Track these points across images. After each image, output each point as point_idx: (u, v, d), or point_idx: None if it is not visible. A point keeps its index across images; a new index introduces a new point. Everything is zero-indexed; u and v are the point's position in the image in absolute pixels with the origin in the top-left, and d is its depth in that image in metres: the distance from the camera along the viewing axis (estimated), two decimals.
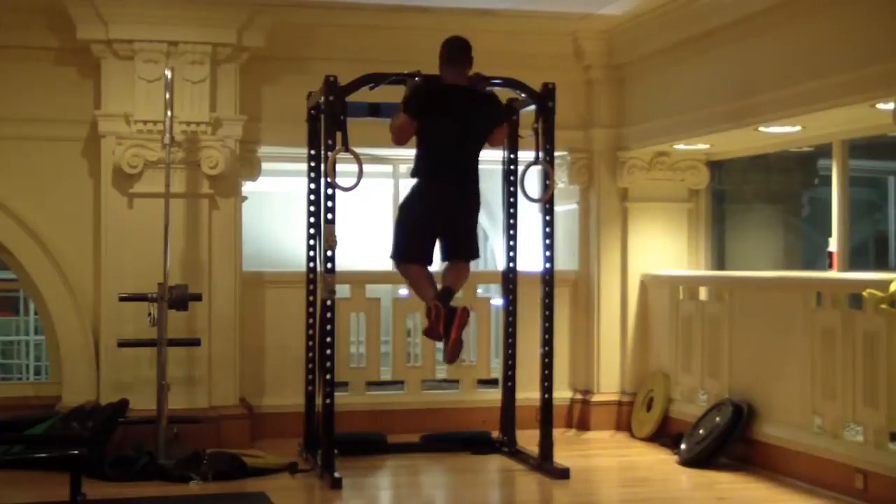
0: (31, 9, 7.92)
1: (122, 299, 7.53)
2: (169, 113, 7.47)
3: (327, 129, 7.11)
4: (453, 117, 6.77)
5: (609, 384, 8.99)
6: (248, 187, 8.59)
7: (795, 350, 7.11)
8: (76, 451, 6.23)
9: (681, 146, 8.60)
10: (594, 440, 8.68)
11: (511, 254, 8.01)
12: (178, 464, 7.11)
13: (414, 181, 6.90)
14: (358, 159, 6.87)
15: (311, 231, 7.76)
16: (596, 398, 8.98)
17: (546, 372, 7.51)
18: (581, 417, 9.03)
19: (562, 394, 8.80)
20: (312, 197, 7.75)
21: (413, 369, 8.92)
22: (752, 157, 9.06)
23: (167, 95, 7.47)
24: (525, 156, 7.64)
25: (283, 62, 8.43)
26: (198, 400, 7.97)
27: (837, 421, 6.73)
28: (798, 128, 7.56)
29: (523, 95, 7.49)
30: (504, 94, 7.67)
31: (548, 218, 7.55)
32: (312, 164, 7.74)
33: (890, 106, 6.25)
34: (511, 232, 8.01)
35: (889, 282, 6.24)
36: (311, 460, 7.44)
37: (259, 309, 8.55)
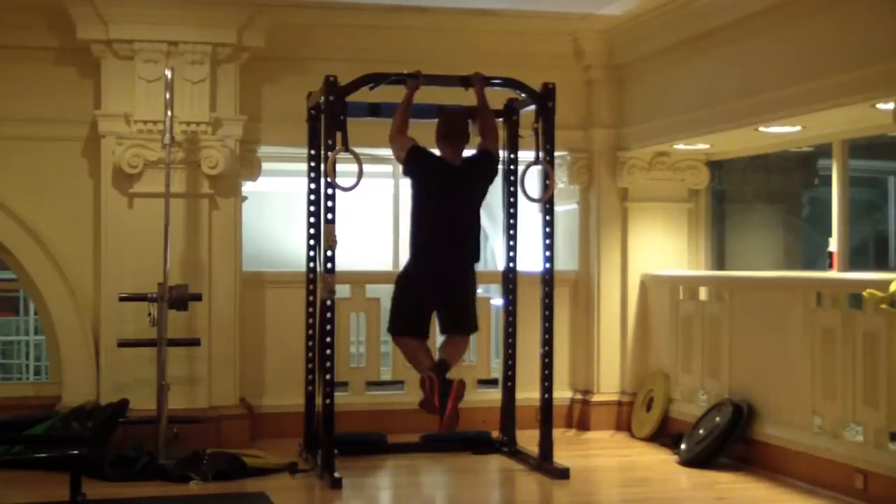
0: (31, 9, 7.92)
1: (122, 299, 7.53)
2: (169, 113, 7.47)
3: (327, 129, 7.11)
4: (446, 191, 6.77)
5: (609, 384, 8.99)
6: (248, 187, 8.59)
7: (795, 350, 7.11)
8: (76, 451, 6.22)
9: (681, 146, 8.61)
10: (594, 440, 8.68)
11: (511, 254, 8.02)
12: (178, 464, 7.11)
13: (410, 246, 6.95)
14: (358, 159, 6.88)
15: (311, 231, 7.76)
16: (596, 398, 8.98)
17: (546, 372, 7.51)
18: (581, 417, 9.03)
19: (562, 394, 8.81)
20: (312, 197, 7.75)
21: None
22: (752, 157, 9.06)
23: (167, 95, 7.48)
24: (525, 156, 7.64)
25: (283, 62, 8.43)
26: (198, 400, 7.97)
27: (837, 421, 6.74)
28: (798, 128, 7.56)
29: (523, 95, 7.49)
30: (504, 94, 7.68)
31: (548, 218, 7.55)
32: (312, 164, 7.74)
33: (890, 106, 6.25)
34: (511, 232, 8.01)
35: (889, 282, 6.24)
36: (311, 460, 7.44)
37: (259, 309, 8.55)
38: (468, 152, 7.11)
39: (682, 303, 8.56)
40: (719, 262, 9.29)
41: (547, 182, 7.48)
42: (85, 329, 8.03)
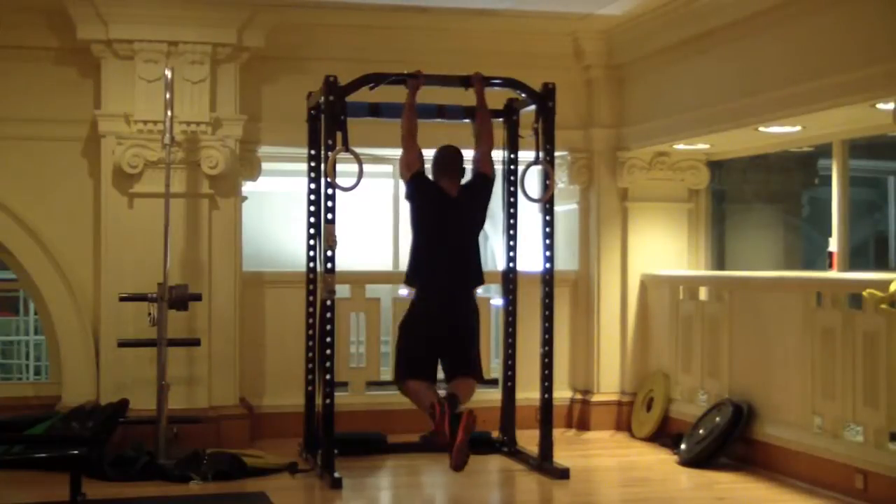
0: (31, 9, 7.92)
1: (122, 299, 7.53)
2: (169, 113, 7.47)
3: (327, 129, 7.11)
4: (447, 225, 6.70)
5: (609, 384, 8.99)
6: (248, 187, 8.59)
7: (795, 350, 7.11)
8: (76, 451, 6.22)
9: (681, 146, 8.61)
10: (594, 440, 8.68)
11: (511, 254, 8.02)
12: (178, 464, 7.11)
13: (408, 282, 6.86)
14: (358, 159, 6.88)
15: (311, 231, 7.76)
16: (596, 398, 8.98)
17: (546, 372, 7.51)
18: (581, 417, 9.03)
19: (562, 394, 8.81)
20: (312, 197, 7.75)
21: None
22: (752, 157, 9.06)
23: (167, 95, 7.48)
24: (525, 156, 7.64)
25: (283, 62, 8.44)
26: (198, 400, 7.97)
27: (837, 421, 6.74)
28: (798, 128, 7.56)
29: (523, 95, 7.48)
30: (504, 94, 7.68)
31: (548, 218, 7.55)
32: (312, 164, 7.74)
33: (890, 106, 6.25)
34: (511, 232, 8.02)
35: (889, 282, 6.24)
36: (311, 460, 7.44)
37: (259, 309, 8.55)
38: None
39: (682, 303, 8.56)
40: (719, 262, 9.30)
41: (547, 182, 7.48)
42: (85, 329, 8.03)
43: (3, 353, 12.99)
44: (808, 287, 7.15)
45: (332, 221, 7.02)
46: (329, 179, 7.00)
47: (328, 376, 7.06)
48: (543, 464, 7.35)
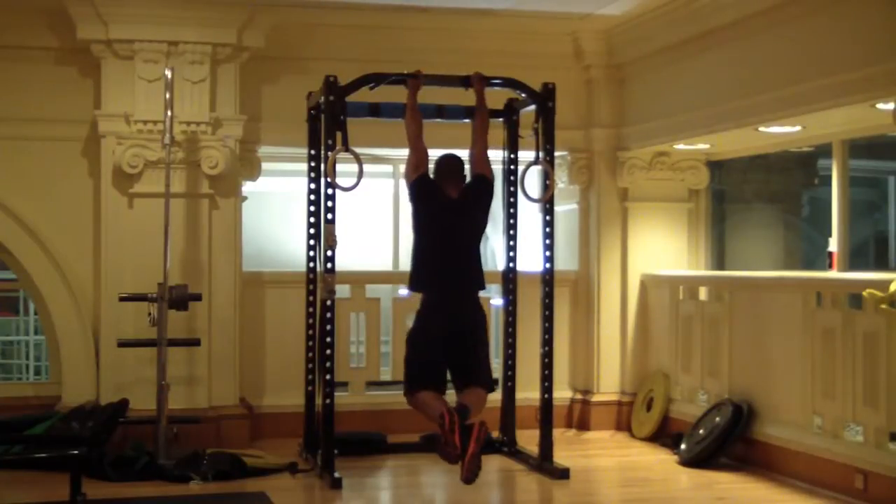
0: (31, 9, 7.92)
1: (122, 299, 7.53)
2: (169, 113, 7.47)
3: (327, 129, 7.11)
4: (450, 229, 6.64)
5: (609, 384, 8.99)
6: (248, 187, 8.59)
7: (795, 350, 7.11)
8: (76, 451, 6.21)
9: (681, 146, 8.61)
10: (594, 440, 8.68)
11: (511, 254, 8.03)
12: (178, 464, 7.12)
13: (412, 286, 6.79)
14: (358, 159, 6.88)
15: (311, 231, 7.76)
16: (596, 398, 8.98)
17: (546, 372, 7.51)
18: (581, 417, 9.03)
19: (562, 394, 8.81)
20: (312, 197, 7.75)
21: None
22: (752, 157, 9.07)
23: (167, 95, 7.47)
24: (525, 156, 7.64)
25: (283, 62, 8.44)
26: (198, 400, 7.97)
27: (837, 421, 6.74)
28: (798, 128, 7.56)
29: (523, 95, 7.48)
30: (504, 94, 7.68)
31: (548, 218, 7.56)
32: (312, 164, 7.74)
33: (890, 106, 6.25)
34: (511, 232, 8.02)
35: (889, 282, 6.24)
36: (311, 460, 7.44)
37: (259, 309, 8.55)
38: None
39: (682, 303, 8.56)
40: (719, 262, 9.30)
41: (547, 182, 7.48)
42: (85, 329, 8.03)
43: (3, 353, 12.99)
44: (808, 287, 7.15)
45: (332, 221, 7.03)
46: (329, 179, 7.00)
47: (328, 376, 7.07)
48: (543, 464, 7.35)
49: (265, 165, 8.68)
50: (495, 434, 8.07)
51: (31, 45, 8.09)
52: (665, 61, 8.38)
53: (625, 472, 7.85)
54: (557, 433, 7.72)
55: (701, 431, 7.66)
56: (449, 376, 6.65)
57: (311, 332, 7.78)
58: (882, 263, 10.61)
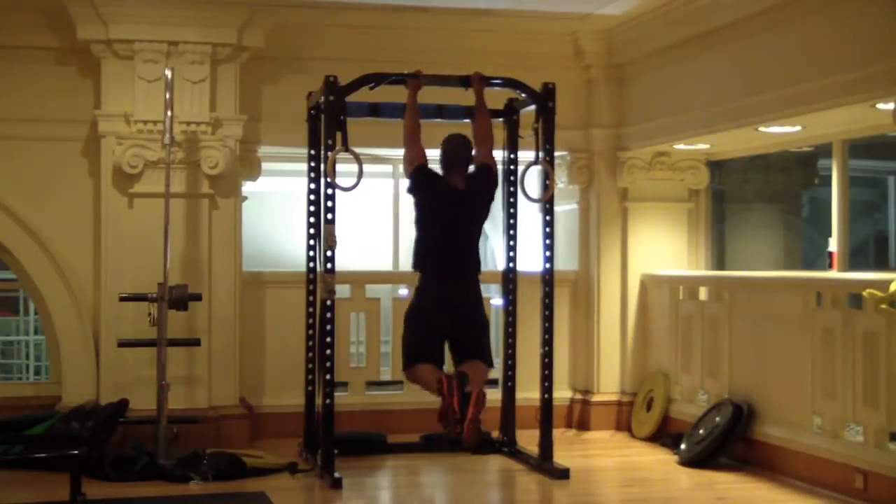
0: (31, 9, 7.92)
1: (122, 299, 7.53)
2: (169, 113, 7.47)
3: (327, 129, 7.11)
4: (453, 217, 6.71)
5: (609, 384, 8.99)
6: (248, 187, 8.59)
7: (795, 350, 7.10)
8: (76, 451, 6.21)
9: (681, 146, 8.61)
10: (594, 440, 8.68)
11: (511, 254, 8.02)
12: (178, 464, 7.11)
13: (416, 267, 6.83)
14: (358, 159, 6.88)
15: (311, 231, 7.76)
16: (596, 398, 8.98)
17: (546, 372, 7.51)
18: (581, 417, 9.03)
19: (562, 394, 8.81)
20: (312, 197, 7.75)
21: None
22: (752, 157, 9.06)
23: (167, 95, 7.47)
24: (525, 156, 7.64)
25: (283, 62, 8.44)
26: (198, 400, 7.97)
27: (837, 421, 6.74)
28: (798, 128, 7.56)
29: (523, 95, 7.49)
30: (504, 94, 7.68)
31: (548, 218, 7.55)
32: (312, 164, 7.74)
33: (890, 106, 6.25)
34: (511, 232, 8.02)
35: (889, 282, 6.24)
36: (311, 460, 7.44)
37: (259, 309, 8.55)
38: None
39: (682, 303, 8.56)
40: (719, 262, 9.29)
41: (547, 182, 7.48)
42: (85, 329, 8.03)
43: (3, 353, 12.99)
44: (808, 287, 7.15)
45: (332, 221, 7.02)
46: (329, 179, 7.00)
47: (328, 376, 7.06)
48: (543, 464, 7.35)
49: (265, 165, 8.68)
50: (495, 434, 8.08)
51: (31, 45, 8.09)
52: (665, 61, 8.38)
53: (625, 472, 7.85)
54: (557, 433, 7.72)
55: (701, 431, 7.66)
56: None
57: (311, 332, 7.78)
58: (882, 263, 10.61)
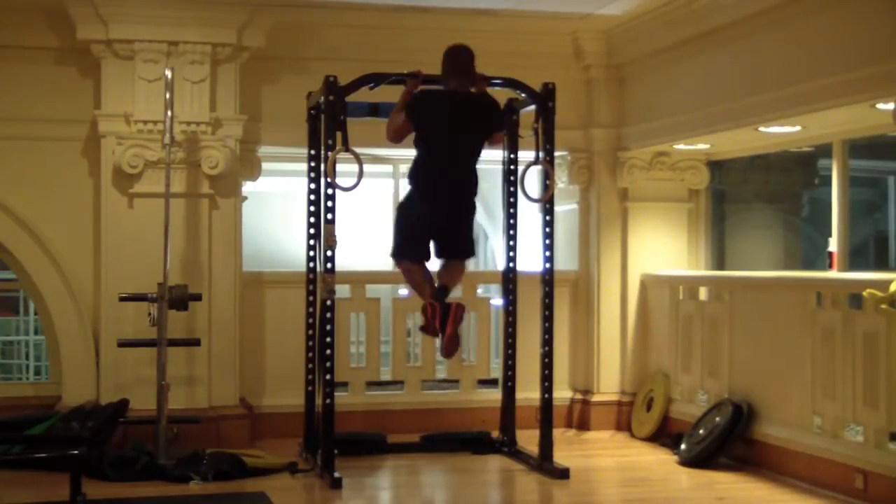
0: (31, 9, 7.92)
1: (122, 299, 7.53)
2: (169, 113, 7.47)
3: (327, 129, 7.11)
4: (452, 125, 6.75)
5: (609, 384, 8.99)
6: (248, 187, 8.59)
7: (795, 350, 7.10)
8: (76, 451, 6.21)
9: (681, 146, 8.61)
10: (594, 440, 8.68)
11: (511, 254, 8.02)
12: (178, 464, 7.12)
13: (411, 181, 6.91)
14: (358, 159, 6.87)
15: (311, 231, 7.76)
16: (596, 398, 8.98)
17: (546, 372, 7.51)
18: (581, 417, 9.03)
19: (562, 394, 8.80)
20: (312, 197, 7.74)
21: (413, 369, 8.92)
22: (752, 157, 9.06)
23: (167, 95, 7.47)
24: (525, 156, 7.64)
25: (283, 62, 8.44)
26: (198, 400, 7.97)
27: (837, 421, 6.74)
28: (798, 128, 7.56)
29: (523, 95, 7.48)
30: (504, 94, 7.68)
31: (548, 218, 7.55)
32: (312, 164, 7.74)
33: (890, 106, 6.25)
34: (511, 232, 8.01)
35: (889, 282, 6.24)
36: (311, 460, 7.44)
37: (259, 309, 8.55)
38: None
39: (682, 303, 8.56)
40: (719, 262, 9.29)
41: (547, 182, 7.48)
42: (85, 329, 8.03)
43: (3, 353, 12.99)
44: (808, 287, 7.15)
45: (332, 221, 7.02)
46: (329, 179, 7.00)
47: (328, 376, 7.07)
48: (543, 464, 7.35)
49: (265, 165, 8.68)
50: (495, 434, 8.09)
51: (31, 45, 8.08)
52: (665, 61, 8.38)
53: (625, 472, 7.85)
54: (557, 433, 7.71)
55: (701, 431, 7.66)
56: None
57: (311, 332, 7.78)
58: (882, 263, 10.60)
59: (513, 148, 7.95)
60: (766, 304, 7.54)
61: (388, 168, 9.68)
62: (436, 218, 6.82)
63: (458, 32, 8.40)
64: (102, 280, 7.98)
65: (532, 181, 7.75)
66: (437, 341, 7.08)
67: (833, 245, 7.64)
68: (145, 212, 7.86)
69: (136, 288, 7.53)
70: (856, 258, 8.67)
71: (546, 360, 7.51)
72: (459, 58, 6.85)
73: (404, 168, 9.02)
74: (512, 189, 7.97)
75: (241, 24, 7.96)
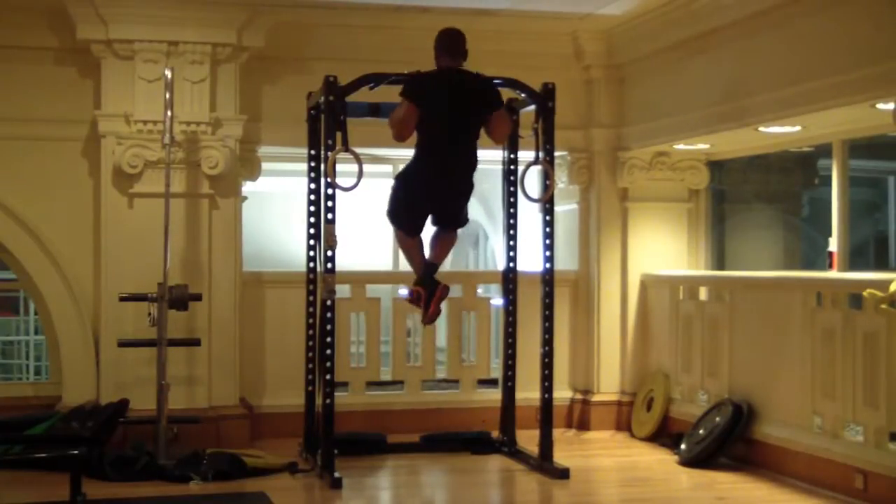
0: (31, 9, 7.92)
1: (122, 299, 7.53)
2: (169, 113, 7.47)
3: (327, 129, 7.11)
4: (452, 102, 6.72)
5: (609, 384, 8.99)
6: (248, 187, 8.59)
7: (795, 350, 7.11)
8: (76, 451, 6.21)
9: (681, 146, 8.61)
10: (594, 440, 8.68)
11: (511, 254, 8.02)
12: (178, 464, 7.12)
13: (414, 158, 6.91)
14: (358, 159, 6.87)
15: (311, 231, 7.76)
16: (596, 398, 8.98)
17: (546, 372, 7.51)
18: (581, 417, 9.03)
19: (562, 394, 8.81)
20: (312, 197, 7.75)
21: (413, 369, 8.92)
22: (752, 157, 9.05)
23: (167, 95, 7.47)
24: (525, 156, 7.64)
25: (283, 62, 8.44)
26: (198, 400, 7.97)
27: (837, 421, 6.74)
28: (798, 128, 7.56)
29: (523, 95, 7.48)
30: (504, 94, 7.66)
31: (548, 218, 7.56)
32: (312, 164, 7.74)
33: (890, 106, 6.25)
34: (511, 232, 8.01)
35: (889, 282, 6.24)
36: (311, 460, 7.44)
37: (259, 309, 8.55)
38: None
39: (682, 303, 8.56)
40: (719, 262, 9.29)
41: (547, 182, 7.48)
42: (85, 329, 8.03)
43: (3, 353, 13.00)
44: (808, 287, 7.15)
45: (332, 221, 7.03)
46: (329, 179, 7.00)
47: (328, 376, 7.07)
48: (543, 464, 7.35)
49: (265, 165, 8.68)
50: (495, 434, 8.09)
51: (31, 45, 8.08)
52: (665, 61, 8.38)
53: (625, 472, 7.85)
54: (557, 433, 7.72)
55: (701, 431, 7.66)
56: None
57: (311, 332, 7.78)
58: (882, 263, 10.59)
59: (513, 148, 7.95)
60: (766, 304, 7.54)
61: (388, 168, 9.66)
62: (434, 191, 6.82)
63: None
64: (102, 280, 7.98)
65: (532, 181, 7.75)
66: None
67: (833, 245, 7.64)
68: (145, 212, 7.86)
69: (136, 288, 7.54)
70: (856, 258, 8.66)
71: (546, 360, 7.52)
72: (451, 38, 6.87)
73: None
74: (512, 189, 7.97)
75: (241, 24, 7.96)
